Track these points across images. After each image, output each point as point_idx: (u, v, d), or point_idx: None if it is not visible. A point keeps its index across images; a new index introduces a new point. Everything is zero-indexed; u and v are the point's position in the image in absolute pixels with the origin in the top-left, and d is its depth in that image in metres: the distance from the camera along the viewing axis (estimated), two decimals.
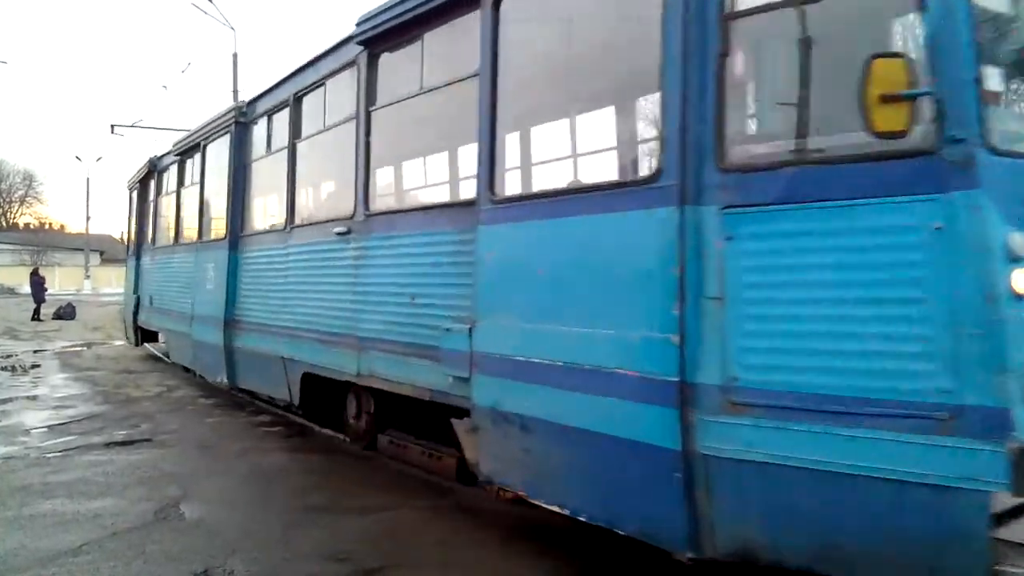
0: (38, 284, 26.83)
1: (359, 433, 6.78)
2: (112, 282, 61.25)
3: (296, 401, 7.29)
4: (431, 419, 5.73)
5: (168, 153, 12.56)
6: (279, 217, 8.01)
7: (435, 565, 4.07)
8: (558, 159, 6.26)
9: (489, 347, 4.39)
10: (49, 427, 7.84)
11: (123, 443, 7.06)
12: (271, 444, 7.10)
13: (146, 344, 14.62)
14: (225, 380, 8.86)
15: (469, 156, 5.33)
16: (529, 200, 4.47)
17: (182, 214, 11.57)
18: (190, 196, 11.08)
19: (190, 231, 11.12)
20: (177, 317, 10.83)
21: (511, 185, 5.25)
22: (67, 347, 16.87)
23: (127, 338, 15.62)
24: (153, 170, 13.68)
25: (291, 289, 7.18)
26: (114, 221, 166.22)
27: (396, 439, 6.35)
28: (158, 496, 5.33)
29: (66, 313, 26.35)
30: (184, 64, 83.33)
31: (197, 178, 10.52)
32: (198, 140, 10.42)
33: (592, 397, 3.66)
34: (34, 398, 9.76)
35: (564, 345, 3.84)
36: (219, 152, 9.61)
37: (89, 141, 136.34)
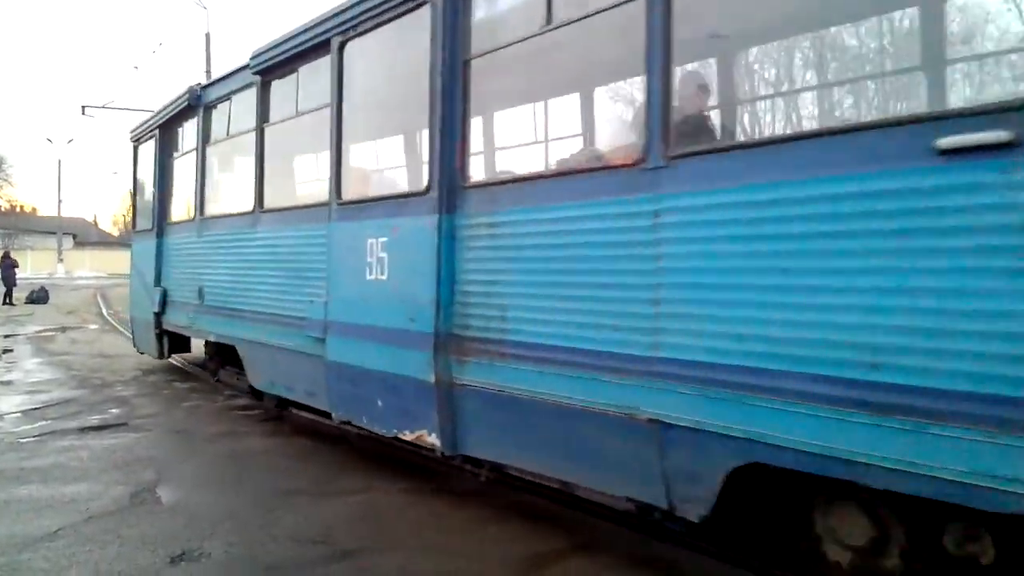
0: (9, 267, 26.43)
1: None
2: (85, 265, 60.69)
3: (697, 513, 3.49)
4: None
5: (231, 75, 8.17)
6: (607, 146, 5.22)
7: (413, 547, 4.09)
8: None
9: None
10: (23, 412, 7.76)
11: (98, 428, 7.02)
12: (248, 427, 7.08)
13: (174, 358, 10.87)
14: (436, 440, 4.82)
15: None
16: None
17: (272, 165, 7.54)
18: (297, 134, 7.22)
19: (303, 189, 8.00)
20: (272, 323, 6.76)
21: None
22: (40, 331, 16.66)
23: (138, 346, 11.13)
24: (195, 106, 8.95)
25: (684, 283, 3.44)
26: (87, 203, 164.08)
27: None
28: (134, 480, 5.31)
29: (39, 297, 26.04)
30: (155, 44, 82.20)
31: (319, 102, 6.27)
32: (326, 36, 6.10)
33: None
34: (7, 383, 9.64)
35: None
36: (390, 48, 5.67)
37: (60, 122, 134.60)
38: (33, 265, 54.19)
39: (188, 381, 9.74)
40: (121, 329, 16.98)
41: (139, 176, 11.43)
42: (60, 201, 60.61)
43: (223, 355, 8.77)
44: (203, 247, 8.45)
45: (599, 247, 3.82)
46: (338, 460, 5.94)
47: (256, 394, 7.89)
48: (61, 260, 57.69)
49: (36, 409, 7.92)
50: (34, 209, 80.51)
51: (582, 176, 4.11)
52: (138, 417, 7.50)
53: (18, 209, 73.36)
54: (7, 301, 25.30)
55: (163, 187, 10.12)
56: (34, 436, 6.67)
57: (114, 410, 7.86)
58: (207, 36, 30.22)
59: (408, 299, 4.95)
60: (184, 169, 9.64)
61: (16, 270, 26.80)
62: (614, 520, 4.35)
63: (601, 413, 3.76)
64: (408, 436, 5.07)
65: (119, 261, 65.30)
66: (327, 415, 6.07)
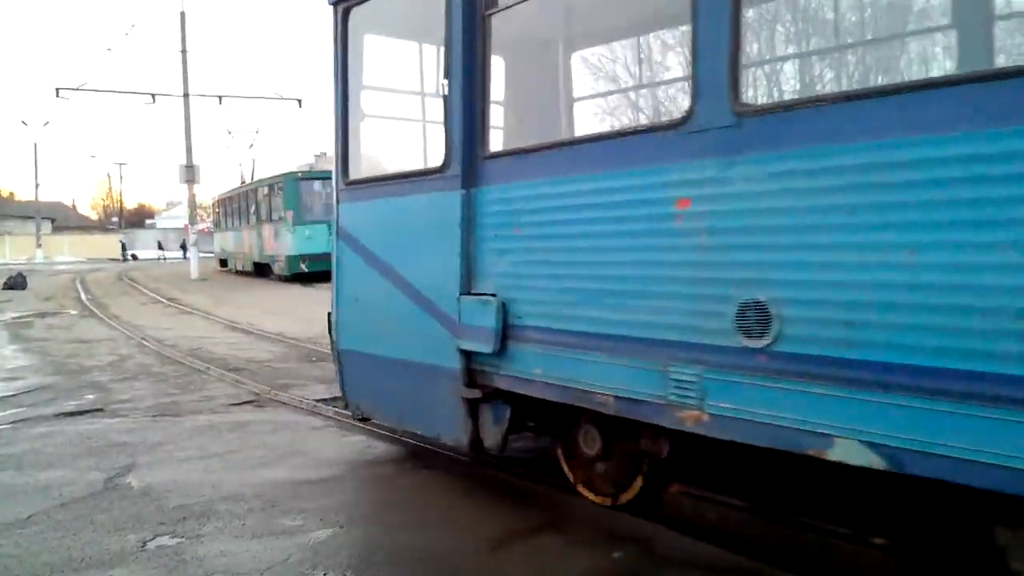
0: None
1: None
2: (64, 250, 60.15)
3: None
4: None
5: None
6: None
7: (389, 523, 4.14)
8: None
9: None
10: None
11: (74, 414, 7.00)
12: (226, 413, 7.07)
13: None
14: None
15: None
16: None
17: None
18: None
19: None
20: None
21: None
22: (17, 318, 16.52)
23: (360, 405, 5.58)
24: None
25: None
26: (65, 188, 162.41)
27: None
28: (108, 466, 5.30)
29: (17, 283, 25.81)
30: (128, 26, 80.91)
31: None
32: None
33: None
34: None
35: None
36: None
37: (34, 105, 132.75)
38: (11, 251, 53.65)
39: (167, 365, 9.70)
40: (100, 315, 16.88)
41: (355, 70, 5.45)
42: (37, 185, 59.80)
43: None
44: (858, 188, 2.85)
45: None
46: (314, 442, 5.95)
47: None
48: (39, 245, 57.13)
49: (11, 396, 7.88)
50: (11, 194, 79.76)
51: None
52: (114, 403, 7.48)
53: None
54: None
55: (474, 77, 4.47)
56: (8, 423, 6.64)
57: (90, 396, 7.84)
58: (182, 15, 29.87)
59: None
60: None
61: None
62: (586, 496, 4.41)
63: None
64: None
65: (98, 246, 64.82)
66: None
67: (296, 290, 22.12)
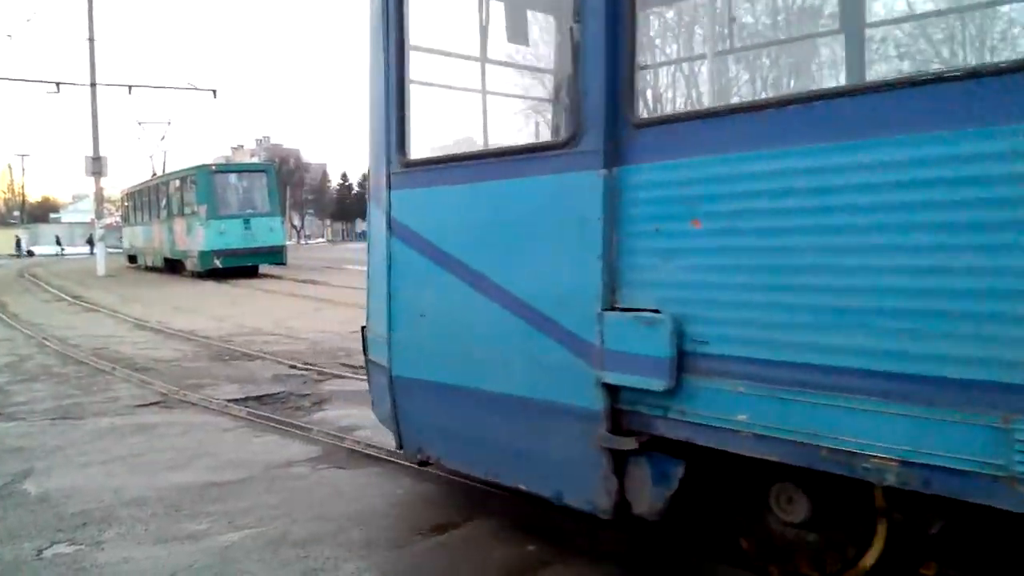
0: None
1: None
2: None
3: None
4: None
5: None
6: None
7: (310, 516, 4.07)
8: None
9: None
10: None
11: None
12: (131, 415, 6.82)
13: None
14: None
15: None
16: None
17: None
18: None
19: None
20: None
21: None
22: None
23: (413, 440, 4.27)
24: None
25: None
26: None
27: None
28: (2, 472, 5.07)
29: None
30: (31, 12, 77.18)
31: None
32: None
33: None
34: None
35: None
36: None
37: None
38: None
39: (69, 366, 9.30)
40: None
41: (408, 22, 4.12)
42: None
43: None
44: None
45: None
46: (226, 436, 5.81)
47: None
48: None
49: None
50: None
51: None
52: (11, 405, 7.15)
53: None
54: None
55: (620, 13, 3.16)
56: None
57: None
58: (89, 1, 28.66)
59: None
60: None
61: None
62: (510, 491, 4.42)
63: None
64: None
65: None
66: None
67: (209, 287, 21.52)
